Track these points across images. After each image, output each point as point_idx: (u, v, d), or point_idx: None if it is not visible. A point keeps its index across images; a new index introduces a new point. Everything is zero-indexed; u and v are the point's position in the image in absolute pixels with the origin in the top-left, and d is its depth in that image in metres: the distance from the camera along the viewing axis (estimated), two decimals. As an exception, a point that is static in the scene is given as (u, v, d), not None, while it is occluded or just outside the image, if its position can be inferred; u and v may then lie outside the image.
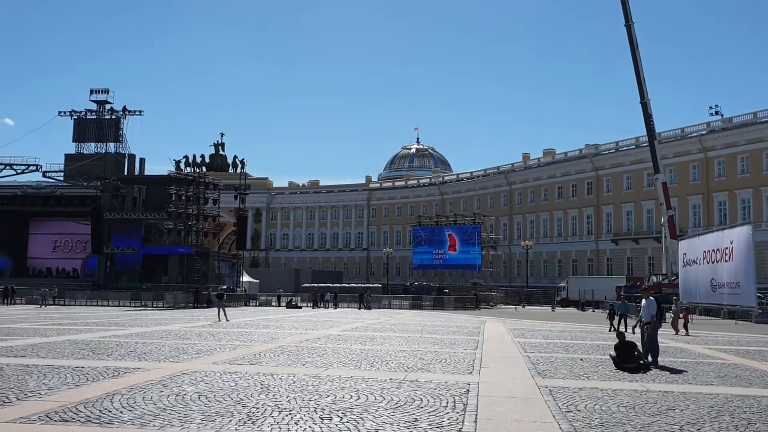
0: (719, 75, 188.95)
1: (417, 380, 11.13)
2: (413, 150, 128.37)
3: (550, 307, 58.18)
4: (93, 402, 8.60)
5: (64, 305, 47.69)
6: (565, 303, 61.35)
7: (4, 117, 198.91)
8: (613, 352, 13.99)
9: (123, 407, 8.30)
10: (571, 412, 8.56)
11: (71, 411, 8.00)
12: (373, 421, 7.78)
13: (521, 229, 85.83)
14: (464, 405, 8.89)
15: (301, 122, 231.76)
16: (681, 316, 25.51)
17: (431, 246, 74.22)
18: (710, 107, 80.00)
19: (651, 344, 14.21)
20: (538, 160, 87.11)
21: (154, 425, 7.37)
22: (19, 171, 74.87)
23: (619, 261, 73.70)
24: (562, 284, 67.58)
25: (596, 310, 51.27)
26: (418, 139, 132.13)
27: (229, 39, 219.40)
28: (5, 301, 48.36)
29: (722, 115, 67.28)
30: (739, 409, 9.00)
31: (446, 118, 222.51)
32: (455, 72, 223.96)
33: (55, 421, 7.48)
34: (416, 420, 7.89)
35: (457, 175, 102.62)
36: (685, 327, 25.20)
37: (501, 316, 41.18)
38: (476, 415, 8.24)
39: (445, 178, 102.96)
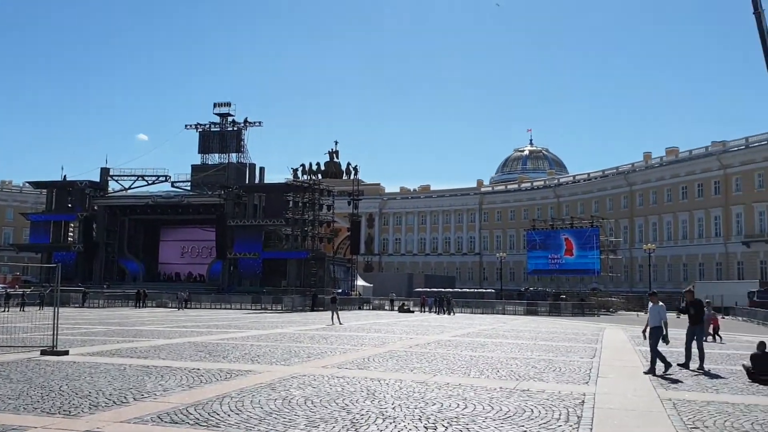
0: None
1: (528, 390, 10.66)
2: (526, 152, 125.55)
3: (675, 314, 54.93)
4: (203, 404, 8.79)
5: (191, 308, 50.30)
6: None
7: (139, 133, 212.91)
8: (747, 363, 12.87)
9: (231, 410, 8.43)
10: (698, 428, 7.85)
11: (182, 413, 8.21)
12: (479, 432, 7.47)
13: (643, 232, 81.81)
14: (578, 417, 8.38)
15: (412, 127, 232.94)
16: (710, 321, 23.34)
17: (546, 250, 72.40)
18: None
19: (654, 351, 13.21)
20: (660, 159, 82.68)
21: (259, 429, 7.40)
22: (150, 182, 79.81)
23: (752, 264, 68.59)
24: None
25: (725, 317, 47.88)
26: (531, 140, 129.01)
27: (341, 51, 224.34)
28: (138, 304, 51.40)
29: None
30: None
31: (560, 118, 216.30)
32: (569, 70, 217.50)
33: (166, 422, 7.68)
34: (525, 432, 7.51)
35: (573, 176, 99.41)
36: (716, 333, 23.10)
37: (622, 323, 39.33)
38: (591, 429, 7.73)
39: (561, 180, 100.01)
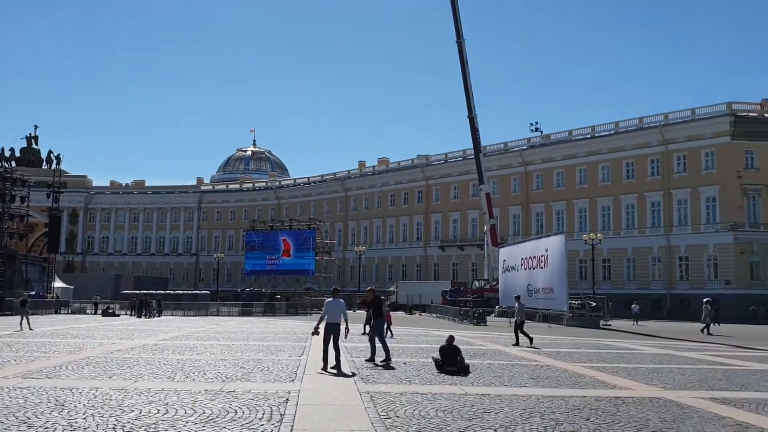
0: (540, 94, 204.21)
1: (234, 391, 10.50)
2: (249, 152, 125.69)
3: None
4: None
5: None
6: (395, 307, 62.76)
7: None
8: (437, 355, 14.17)
9: None
10: (390, 418, 8.38)
11: None
12: (177, 438, 7.12)
13: (355, 235, 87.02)
14: (281, 415, 8.43)
15: (126, 118, 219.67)
16: (385, 317, 25.27)
17: (265, 251, 73.10)
18: (531, 124, 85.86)
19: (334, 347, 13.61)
20: (372, 168, 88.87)
21: None
22: None
23: (446, 266, 76.88)
24: (392, 288, 69.16)
25: (423, 314, 52.84)
26: (254, 141, 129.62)
27: (45, 27, 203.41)
28: None
29: (542, 132, 72.57)
30: (548, 410, 9.30)
31: (284, 123, 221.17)
32: (294, 76, 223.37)
33: None
34: (227, 434, 7.33)
35: (294, 180, 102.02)
36: (388, 328, 24.47)
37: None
38: (292, 425, 7.81)
39: (282, 182, 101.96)
